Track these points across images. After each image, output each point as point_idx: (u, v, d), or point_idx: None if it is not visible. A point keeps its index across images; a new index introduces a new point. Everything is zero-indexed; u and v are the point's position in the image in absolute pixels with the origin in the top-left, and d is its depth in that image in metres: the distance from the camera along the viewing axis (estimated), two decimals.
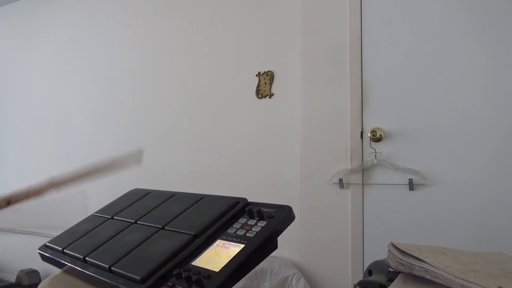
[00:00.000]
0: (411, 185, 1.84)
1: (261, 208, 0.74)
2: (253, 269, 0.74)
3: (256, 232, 0.69)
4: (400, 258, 0.64)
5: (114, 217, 0.93)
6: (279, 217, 0.71)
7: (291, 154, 2.15)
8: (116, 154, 0.82)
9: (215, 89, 2.44)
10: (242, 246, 0.66)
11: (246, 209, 0.76)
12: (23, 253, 3.15)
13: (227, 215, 0.76)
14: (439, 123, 1.82)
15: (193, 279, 0.61)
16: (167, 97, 2.63)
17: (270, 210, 0.73)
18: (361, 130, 1.97)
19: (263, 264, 2.00)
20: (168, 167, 2.57)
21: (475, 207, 1.74)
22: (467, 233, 1.74)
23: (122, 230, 0.84)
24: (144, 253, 0.72)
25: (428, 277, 0.59)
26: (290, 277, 1.98)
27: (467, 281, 0.54)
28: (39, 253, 0.90)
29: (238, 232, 0.71)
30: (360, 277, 0.79)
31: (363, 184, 1.96)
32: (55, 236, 0.93)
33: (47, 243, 0.91)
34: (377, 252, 0.87)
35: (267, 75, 2.25)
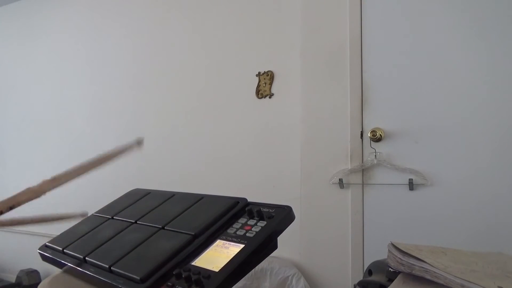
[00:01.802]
0: (411, 185, 1.84)
1: (261, 208, 0.74)
2: (253, 269, 0.74)
3: (256, 232, 0.69)
4: (400, 258, 0.64)
5: (114, 217, 0.93)
6: (279, 217, 0.71)
7: (291, 154, 2.15)
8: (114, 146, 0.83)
9: (215, 89, 2.44)
10: (242, 246, 0.66)
11: (246, 209, 0.76)
12: (23, 253, 3.15)
13: (227, 215, 0.76)
14: (439, 123, 1.82)
15: (193, 279, 0.61)
16: (167, 97, 2.63)
17: (270, 210, 0.73)
18: (361, 130, 1.97)
19: (263, 264, 2.00)
20: (168, 167, 2.58)
21: (475, 207, 1.74)
22: (467, 233, 1.74)
23: (122, 230, 0.84)
24: (144, 253, 0.72)
25: (428, 277, 0.59)
26: (290, 277, 1.98)
27: (467, 281, 0.54)
28: (39, 253, 0.90)
29: (238, 232, 0.71)
30: (360, 277, 0.79)
31: (363, 184, 1.96)
32: (55, 236, 0.93)
33: (47, 243, 0.91)
34: (377, 252, 0.87)
35: (267, 75, 2.25)
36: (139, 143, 0.81)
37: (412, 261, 0.62)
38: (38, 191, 0.58)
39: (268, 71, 2.26)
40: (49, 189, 0.71)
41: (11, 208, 0.53)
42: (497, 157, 1.72)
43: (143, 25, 2.78)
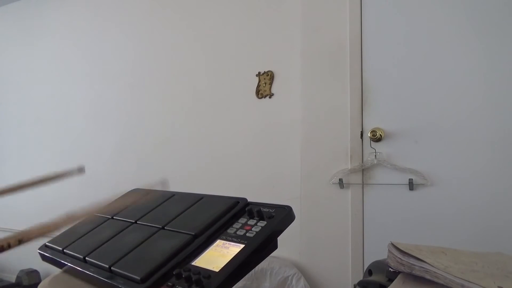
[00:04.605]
0: (411, 185, 1.84)
1: (261, 208, 0.74)
2: (253, 269, 0.74)
3: (256, 232, 0.69)
4: (400, 258, 0.64)
5: (114, 217, 0.93)
6: (279, 217, 0.71)
7: (291, 154, 2.15)
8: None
9: (215, 89, 2.44)
10: (242, 246, 0.66)
11: (246, 209, 0.76)
12: (23, 253, 3.14)
13: (227, 215, 0.76)
14: (439, 123, 1.82)
15: (193, 279, 0.61)
16: (167, 97, 2.63)
17: (270, 210, 0.73)
18: (361, 130, 1.97)
19: (263, 264, 2.00)
20: (168, 167, 2.57)
21: (475, 207, 1.74)
22: (467, 233, 1.74)
23: (122, 230, 0.84)
24: (144, 253, 0.72)
25: (428, 277, 0.59)
26: (290, 277, 1.98)
27: (467, 281, 0.54)
28: (39, 253, 0.90)
29: (238, 232, 0.71)
30: (360, 277, 0.79)
31: (363, 184, 1.96)
32: (55, 236, 0.93)
33: (47, 243, 0.91)
34: (377, 252, 0.87)
35: (267, 75, 2.25)
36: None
37: (412, 261, 0.62)
38: (51, 227, 0.58)
39: (268, 71, 2.26)
40: (64, 226, 0.71)
41: (20, 241, 0.53)
42: (497, 157, 1.72)
43: (143, 25, 2.78)
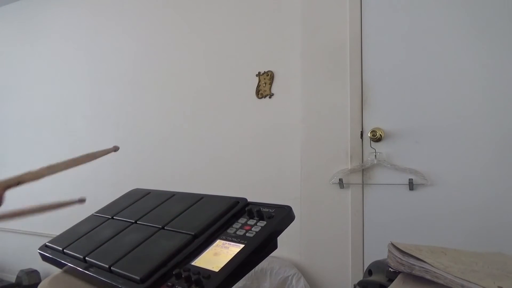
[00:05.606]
0: (411, 185, 1.84)
1: (261, 208, 0.74)
2: (253, 269, 0.74)
3: (256, 232, 0.69)
4: (400, 258, 0.64)
5: (114, 217, 0.93)
6: (279, 217, 0.71)
7: (291, 154, 2.15)
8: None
9: (215, 89, 2.44)
10: (242, 246, 0.66)
11: (246, 209, 0.76)
12: (23, 253, 3.15)
13: (227, 215, 0.76)
14: (440, 123, 1.82)
15: (192, 279, 0.61)
16: (167, 97, 2.63)
17: (270, 210, 0.73)
18: (361, 130, 1.97)
19: (263, 264, 2.00)
20: (168, 167, 2.57)
21: (475, 207, 1.74)
22: (467, 233, 1.74)
23: (122, 230, 0.84)
24: (144, 253, 0.72)
25: (428, 277, 0.59)
26: (290, 277, 1.98)
27: (467, 281, 0.54)
28: (39, 253, 0.90)
29: (238, 232, 0.71)
30: (360, 277, 0.79)
31: (363, 184, 1.96)
32: (55, 236, 0.93)
33: (47, 243, 0.91)
34: (377, 252, 0.87)
35: (267, 75, 2.25)
36: (115, 149, 1.04)
37: (412, 261, 0.62)
38: (37, 174, 0.66)
39: (268, 71, 2.26)
40: (46, 175, 0.77)
41: (19, 183, 0.60)
42: (497, 157, 1.72)
43: (143, 25, 2.78)
